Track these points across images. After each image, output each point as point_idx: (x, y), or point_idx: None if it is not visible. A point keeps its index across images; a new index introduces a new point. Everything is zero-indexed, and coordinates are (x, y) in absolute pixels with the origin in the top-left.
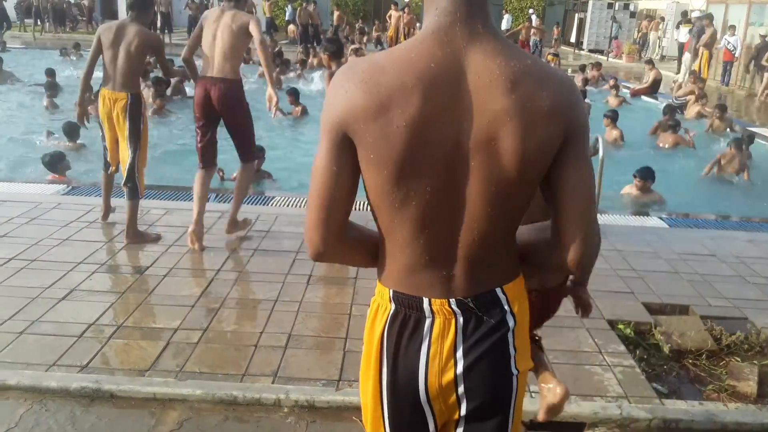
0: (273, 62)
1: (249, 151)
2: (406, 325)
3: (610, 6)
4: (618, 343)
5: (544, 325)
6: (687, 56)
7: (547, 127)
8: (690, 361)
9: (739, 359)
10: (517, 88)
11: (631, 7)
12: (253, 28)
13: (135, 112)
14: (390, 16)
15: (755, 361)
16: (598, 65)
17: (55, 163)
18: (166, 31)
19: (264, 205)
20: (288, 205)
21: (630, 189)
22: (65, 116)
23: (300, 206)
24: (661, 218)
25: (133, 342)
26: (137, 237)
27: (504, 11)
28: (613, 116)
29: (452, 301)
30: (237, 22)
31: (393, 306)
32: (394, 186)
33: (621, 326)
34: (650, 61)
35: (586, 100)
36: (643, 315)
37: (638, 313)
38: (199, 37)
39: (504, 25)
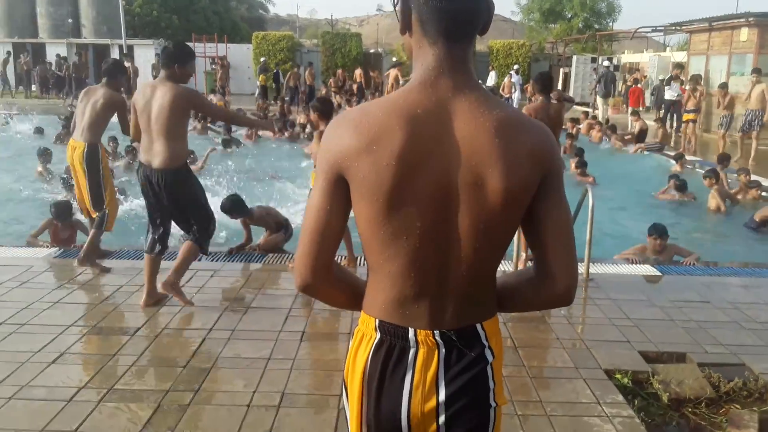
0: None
1: (201, 232)
2: (390, 354)
3: (594, 60)
4: (616, 393)
5: (541, 376)
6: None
7: (527, 168)
8: (689, 409)
9: (738, 406)
10: (500, 133)
11: (615, 61)
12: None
13: (91, 160)
14: (388, 75)
15: (755, 408)
16: (597, 122)
17: (62, 212)
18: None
19: (257, 262)
20: (281, 262)
21: (647, 247)
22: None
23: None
24: (653, 266)
25: (123, 405)
26: (89, 261)
27: (490, 67)
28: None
29: (436, 332)
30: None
31: (378, 335)
32: (384, 220)
33: (618, 376)
34: (636, 112)
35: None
36: (641, 364)
37: (635, 362)
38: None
39: (490, 81)
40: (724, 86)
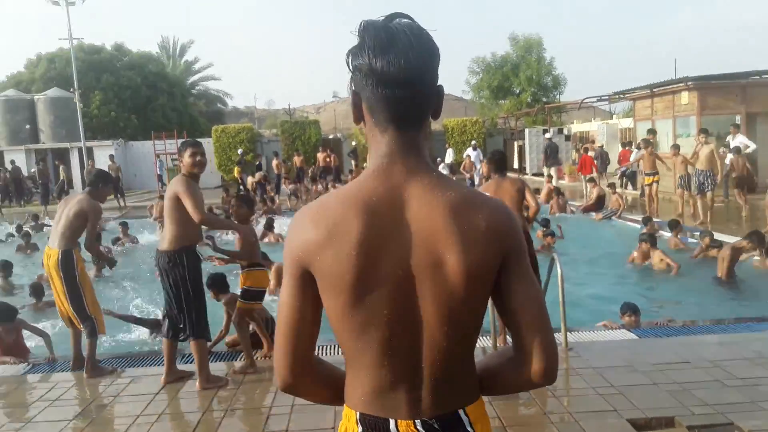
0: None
1: (193, 325)
2: None
3: (545, 132)
4: None
5: None
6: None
7: (486, 246)
8: None
9: None
10: (455, 213)
11: (565, 131)
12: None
13: (66, 267)
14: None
15: None
16: (560, 193)
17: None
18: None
19: (236, 359)
20: (259, 359)
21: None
22: (23, 294)
23: (268, 358)
24: (630, 330)
25: None
26: (96, 372)
27: (447, 145)
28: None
29: (418, 422)
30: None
31: (360, 428)
32: (351, 311)
33: None
34: (592, 179)
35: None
36: None
37: None
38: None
39: (448, 159)
40: (676, 147)
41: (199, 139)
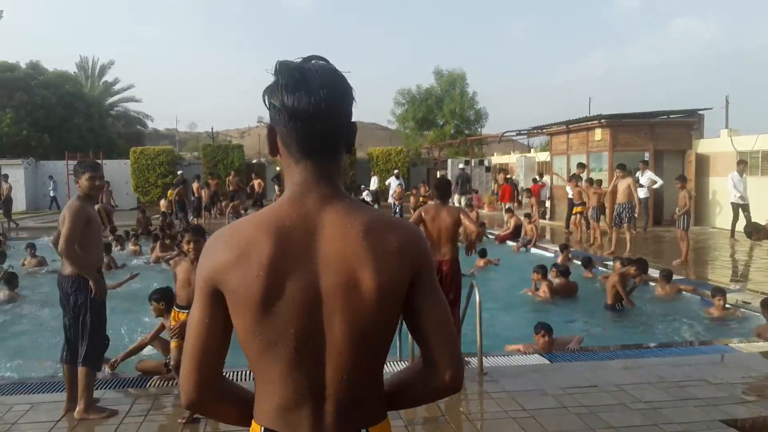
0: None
1: (87, 353)
2: None
3: (467, 163)
4: None
5: None
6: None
7: (397, 265)
8: None
9: None
10: (368, 235)
11: (486, 162)
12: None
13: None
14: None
15: None
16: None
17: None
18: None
19: (140, 387)
20: (169, 384)
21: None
22: None
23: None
24: (542, 355)
25: None
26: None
27: (372, 173)
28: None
29: None
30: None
31: None
32: (258, 329)
33: None
34: (510, 209)
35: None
36: None
37: None
38: None
39: (372, 186)
40: (575, 177)
41: (116, 161)
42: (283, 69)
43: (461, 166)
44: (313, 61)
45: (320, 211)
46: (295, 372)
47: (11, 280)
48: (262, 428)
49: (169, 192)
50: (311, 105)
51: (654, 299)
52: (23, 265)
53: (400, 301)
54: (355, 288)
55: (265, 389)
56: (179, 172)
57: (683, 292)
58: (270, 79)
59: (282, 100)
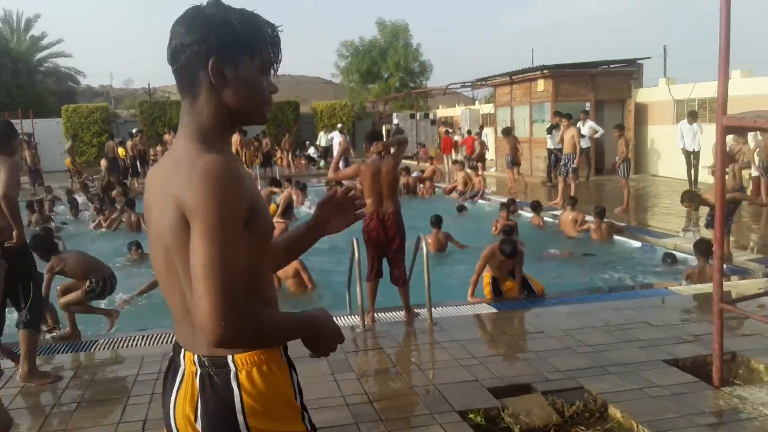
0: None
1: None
2: (170, 366)
3: (413, 116)
4: None
5: (398, 428)
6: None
7: (172, 209)
8: None
9: (583, 428)
10: (162, 178)
11: (431, 116)
12: None
13: None
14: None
15: (598, 428)
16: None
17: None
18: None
19: (87, 350)
20: (118, 347)
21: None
22: None
23: (129, 346)
24: (489, 304)
25: None
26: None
27: (323, 129)
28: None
29: (196, 357)
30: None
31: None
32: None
33: (472, 416)
34: (456, 162)
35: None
36: (491, 400)
37: (486, 400)
38: None
39: (322, 141)
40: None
41: (47, 120)
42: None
43: (395, 121)
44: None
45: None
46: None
47: None
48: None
49: (121, 150)
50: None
51: (593, 243)
52: None
53: (182, 242)
54: (152, 228)
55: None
56: (134, 130)
57: (619, 238)
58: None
59: None
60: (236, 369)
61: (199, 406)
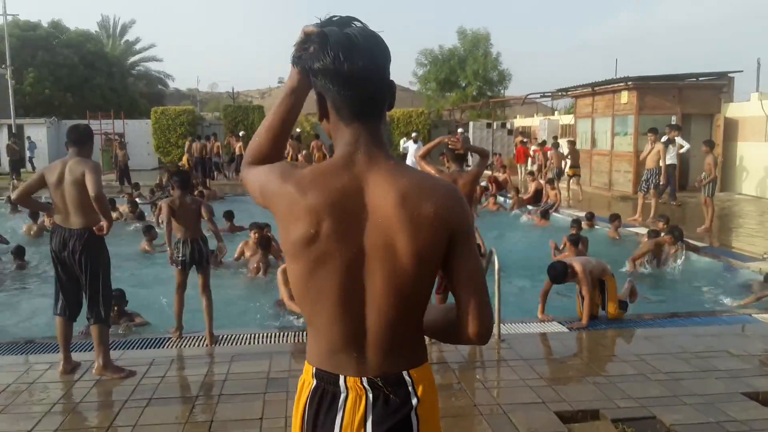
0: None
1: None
2: (324, 398)
3: (489, 126)
4: None
5: None
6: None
7: (433, 230)
8: None
9: None
10: (404, 202)
11: (508, 125)
12: (88, 180)
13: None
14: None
15: None
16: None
17: None
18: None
19: (159, 348)
20: (187, 346)
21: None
22: None
23: (198, 346)
24: (561, 323)
25: None
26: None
27: (407, 137)
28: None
29: (364, 379)
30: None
31: (315, 381)
32: (308, 280)
33: None
34: (531, 173)
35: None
36: (557, 425)
37: (552, 424)
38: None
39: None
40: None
41: (137, 120)
42: (331, 36)
43: (460, 130)
44: (353, 24)
45: (367, 172)
46: (342, 320)
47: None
48: (314, 368)
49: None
50: (363, 70)
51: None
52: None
53: (436, 262)
54: (393, 251)
55: (316, 334)
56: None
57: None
58: (290, 43)
59: (335, 66)
60: (413, 382)
61: (371, 429)
